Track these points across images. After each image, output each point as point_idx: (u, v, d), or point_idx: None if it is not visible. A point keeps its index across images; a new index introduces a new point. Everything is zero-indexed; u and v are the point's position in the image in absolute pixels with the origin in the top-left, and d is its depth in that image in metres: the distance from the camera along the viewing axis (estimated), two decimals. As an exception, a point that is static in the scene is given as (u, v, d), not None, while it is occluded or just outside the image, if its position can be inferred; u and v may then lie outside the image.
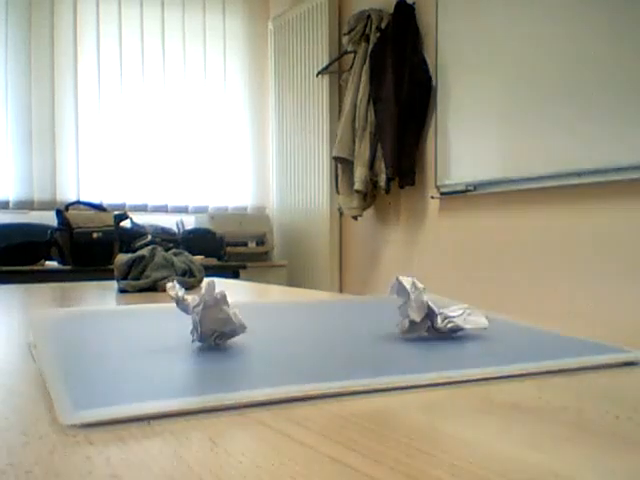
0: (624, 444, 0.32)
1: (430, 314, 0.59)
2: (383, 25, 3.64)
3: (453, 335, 0.60)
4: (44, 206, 3.87)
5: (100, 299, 1.10)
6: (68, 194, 4.01)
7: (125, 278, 1.22)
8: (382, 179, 3.48)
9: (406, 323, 0.58)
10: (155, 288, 1.20)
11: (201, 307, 0.53)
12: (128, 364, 0.48)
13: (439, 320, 0.59)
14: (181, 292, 0.56)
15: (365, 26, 3.75)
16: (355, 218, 3.72)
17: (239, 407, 0.38)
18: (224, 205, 4.47)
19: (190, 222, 4.10)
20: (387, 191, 3.50)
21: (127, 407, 0.36)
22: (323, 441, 0.32)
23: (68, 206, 2.77)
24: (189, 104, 4.41)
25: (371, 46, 3.64)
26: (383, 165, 3.47)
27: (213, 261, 2.85)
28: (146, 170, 4.25)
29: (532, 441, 0.32)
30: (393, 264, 3.66)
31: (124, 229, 2.66)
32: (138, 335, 0.62)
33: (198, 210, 4.32)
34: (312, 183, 4.17)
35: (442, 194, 3.26)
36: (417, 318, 0.58)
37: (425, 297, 0.59)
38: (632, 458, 0.30)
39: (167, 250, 1.32)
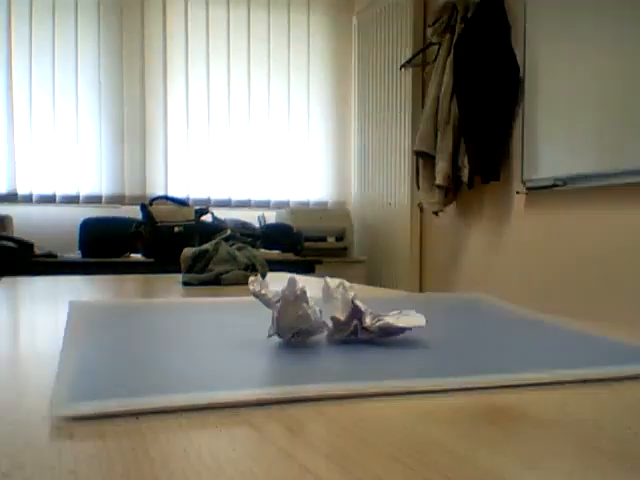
0: (636, 466, 0.28)
1: (356, 313, 0.54)
2: (469, 15, 3.53)
3: (390, 338, 0.54)
4: (134, 201, 4.03)
5: (162, 291, 1.13)
6: (157, 189, 4.16)
7: (190, 271, 1.24)
8: (465, 174, 3.39)
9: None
10: (217, 281, 1.21)
11: (280, 303, 0.51)
12: (153, 357, 0.48)
13: (368, 319, 0.53)
14: (262, 286, 0.55)
15: (450, 17, 3.66)
16: (436, 214, 3.64)
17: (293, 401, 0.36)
18: (305, 200, 4.50)
19: (272, 217, 4.15)
20: (470, 186, 3.40)
21: (115, 402, 0.36)
22: (304, 446, 0.30)
23: (152, 201, 2.87)
24: (273, 100, 4.47)
25: (456, 37, 3.54)
26: (466, 159, 3.37)
27: (290, 256, 2.87)
28: (230, 166, 4.35)
29: (531, 457, 0.29)
30: (475, 262, 3.55)
31: (205, 223, 2.72)
32: (196, 328, 0.62)
33: (280, 205, 4.38)
34: (393, 178, 4.12)
35: (528, 189, 3.13)
36: (341, 316, 0.53)
37: (352, 296, 0.54)
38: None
39: (244, 244, 1.33)
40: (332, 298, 0.53)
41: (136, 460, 0.29)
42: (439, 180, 3.45)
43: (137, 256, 2.61)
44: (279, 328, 0.51)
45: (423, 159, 3.61)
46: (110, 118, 4.15)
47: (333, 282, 0.55)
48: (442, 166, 3.45)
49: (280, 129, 4.48)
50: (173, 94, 4.26)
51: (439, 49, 3.65)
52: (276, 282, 1.40)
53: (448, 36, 3.62)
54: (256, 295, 0.54)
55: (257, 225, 3.67)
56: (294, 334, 0.51)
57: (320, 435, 0.32)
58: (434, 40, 3.73)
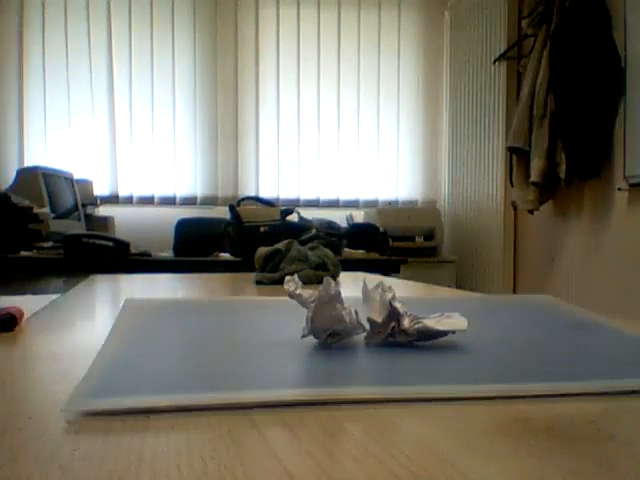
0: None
1: (394, 315, 0.50)
2: (566, 4, 3.37)
3: (429, 342, 0.51)
4: (227, 201, 4.13)
5: (234, 290, 1.15)
6: (248, 190, 4.26)
7: (263, 270, 1.25)
8: (562, 170, 3.24)
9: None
10: (289, 280, 1.21)
11: (315, 303, 0.51)
12: (203, 357, 0.48)
13: (406, 322, 0.50)
14: (297, 286, 0.55)
15: (546, 7, 3.51)
16: (531, 212, 3.50)
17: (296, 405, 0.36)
18: (394, 198, 4.46)
19: (360, 216, 4.15)
20: (568, 183, 3.25)
21: (131, 399, 0.36)
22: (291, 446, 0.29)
23: (240, 201, 2.93)
24: (362, 97, 4.46)
25: (553, 28, 3.40)
26: (563, 155, 3.22)
27: (375, 255, 2.85)
28: (319, 166, 4.38)
29: (542, 474, 0.26)
30: (572, 263, 3.38)
31: (291, 223, 2.75)
32: (238, 327, 0.62)
33: (368, 204, 4.36)
34: (485, 175, 4.00)
35: (631, 185, 2.95)
36: (378, 318, 0.50)
37: (390, 297, 0.51)
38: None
39: (317, 244, 1.33)
40: (370, 299, 0.51)
41: (126, 460, 0.29)
42: (534, 177, 3.31)
43: (225, 255, 2.68)
44: (313, 329, 0.50)
45: (517, 155, 3.49)
46: (204, 123, 4.29)
47: (372, 282, 0.53)
48: (537, 162, 3.32)
49: (370, 127, 4.46)
50: (265, 97, 4.35)
51: (535, 41, 3.52)
52: (349, 281, 1.39)
53: (544, 27, 3.48)
54: (291, 295, 0.53)
55: (345, 225, 3.67)
56: (329, 335, 0.50)
57: (351, 440, 0.31)
58: (529, 32, 3.60)
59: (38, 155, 4.13)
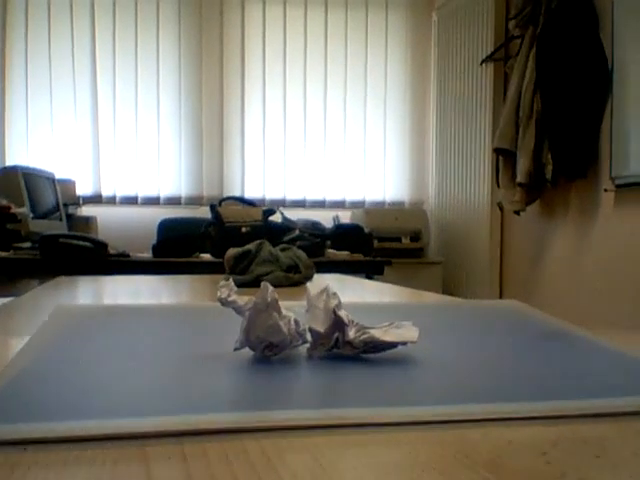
0: None
1: (338, 325, 0.46)
2: (553, 5, 3.35)
3: (379, 354, 0.46)
4: (212, 201, 4.09)
5: (200, 293, 1.10)
6: (234, 190, 4.21)
7: (233, 272, 1.21)
8: (548, 171, 3.21)
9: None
10: (258, 283, 1.17)
11: (249, 312, 0.46)
12: (122, 373, 0.43)
13: (351, 332, 0.45)
14: (231, 292, 0.50)
15: (533, 8, 3.49)
16: (517, 213, 3.47)
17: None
18: (381, 199, 4.43)
19: (347, 217, 4.11)
20: (554, 184, 3.22)
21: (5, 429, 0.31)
22: None
23: (222, 201, 2.88)
24: (349, 98, 4.42)
25: (539, 29, 3.37)
26: (550, 156, 3.20)
27: (359, 257, 2.80)
28: (305, 166, 4.34)
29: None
30: (559, 265, 3.36)
31: (274, 224, 2.70)
32: (170, 337, 0.58)
33: (355, 205, 4.32)
34: (472, 177, 3.98)
35: (618, 186, 2.92)
36: (321, 328, 0.45)
37: (334, 305, 0.46)
38: None
39: (312, 245, 1.29)
40: (313, 307, 0.47)
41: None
42: (520, 178, 3.29)
43: (207, 256, 2.63)
44: (247, 340, 0.46)
45: (503, 156, 3.47)
46: (189, 122, 4.24)
47: (316, 288, 0.48)
48: (524, 163, 3.29)
49: (356, 128, 4.42)
50: (250, 96, 4.30)
51: (522, 42, 3.50)
52: (319, 284, 1.35)
53: (531, 28, 3.46)
54: (223, 303, 0.49)
55: (332, 226, 3.63)
56: (265, 347, 0.45)
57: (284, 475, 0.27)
58: (516, 33, 3.58)
59: (20, 155, 4.06)
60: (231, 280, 0.49)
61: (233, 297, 0.48)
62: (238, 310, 0.48)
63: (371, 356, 0.46)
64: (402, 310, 0.76)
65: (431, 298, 1.04)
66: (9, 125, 4.06)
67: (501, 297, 3.82)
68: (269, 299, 0.44)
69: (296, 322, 0.46)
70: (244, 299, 0.48)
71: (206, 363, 0.46)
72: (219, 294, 0.48)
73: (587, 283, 3.13)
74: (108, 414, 0.33)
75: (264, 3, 4.30)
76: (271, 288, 0.44)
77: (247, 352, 0.47)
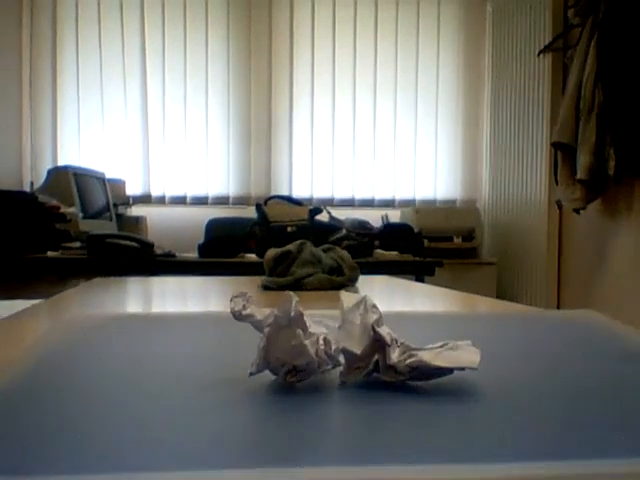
0: None
1: (378, 345, 0.37)
2: (616, -10, 3.18)
3: (426, 382, 0.37)
4: (260, 201, 4.06)
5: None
6: (281, 190, 4.16)
7: (272, 274, 1.14)
8: (611, 167, 3.05)
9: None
10: (299, 286, 1.09)
11: (269, 328, 0.38)
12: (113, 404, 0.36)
13: (395, 354, 0.37)
14: (247, 304, 0.42)
15: (594, -5, 3.33)
16: (577, 211, 3.31)
17: None
18: (432, 197, 4.30)
19: (396, 216, 4.00)
20: (617, 181, 3.05)
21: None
22: None
23: (267, 200, 2.83)
24: (399, 94, 4.31)
25: (600, 17, 3.21)
26: (612, 151, 3.03)
27: (409, 257, 2.70)
28: (354, 164, 4.26)
29: None
30: (622, 267, 3.17)
31: (320, 223, 2.63)
32: (184, 356, 0.50)
33: (405, 203, 4.21)
34: (528, 173, 3.82)
35: (687, 183, 2.74)
36: (357, 349, 0.37)
37: (373, 320, 0.37)
38: None
39: (359, 245, 1.22)
40: (348, 322, 0.38)
41: None
42: (581, 174, 3.13)
43: (252, 256, 2.57)
44: (267, 363, 0.37)
45: (562, 151, 3.31)
46: (237, 122, 4.21)
47: (351, 299, 0.39)
48: (584, 159, 3.13)
49: (406, 123, 4.31)
50: (299, 95, 4.25)
51: (582, 31, 3.34)
52: (371, 286, 1.27)
53: (592, 17, 3.29)
54: (238, 317, 0.41)
55: (380, 225, 3.54)
56: (288, 372, 0.37)
57: None
58: (576, 22, 3.42)
59: (71, 155, 4.11)
60: (247, 294, 0.41)
61: (250, 310, 0.40)
62: (256, 325, 0.40)
63: (419, 384, 0.37)
64: (457, 321, 0.67)
65: (489, 305, 0.94)
66: (61, 126, 4.12)
67: (559, 301, 3.65)
68: (292, 313, 0.36)
69: (326, 341, 0.37)
70: (264, 312, 0.40)
71: (214, 392, 0.38)
72: (232, 306, 0.40)
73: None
74: (75, 469, 0.26)
75: (313, 2, 4.23)
76: (296, 299, 0.36)
77: (266, 376, 0.39)
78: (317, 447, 0.29)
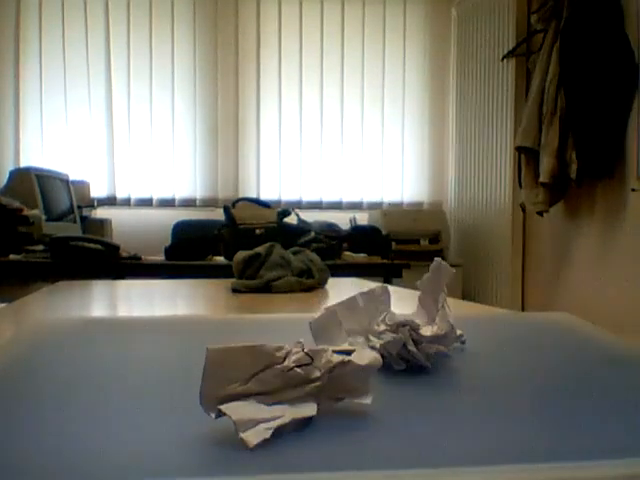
0: None
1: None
2: (577, -2, 3.25)
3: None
4: (227, 203, 4.04)
5: (205, 300, 1.02)
6: (249, 192, 4.15)
7: (242, 277, 1.13)
8: (573, 170, 3.10)
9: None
10: (269, 289, 1.09)
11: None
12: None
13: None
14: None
15: (556, 1, 3.39)
16: (540, 214, 3.36)
17: None
18: (399, 200, 4.34)
19: (364, 218, 4.02)
20: (579, 184, 3.11)
21: None
22: None
23: (235, 203, 2.82)
24: (366, 97, 4.34)
25: (563, 22, 3.27)
26: (574, 154, 3.09)
27: (377, 259, 2.72)
28: (322, 167, 4.27)
29: None
30: (585, 268, 3.24)
31: (288, 226, 2.63)
32: (154, 363, 0.50)
33: (373, 206, 4.24)
34: (493, 176, 3.87)
35: (646, 186, 2.81)
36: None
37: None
38: None
39: (327, 248, 1.22)
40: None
41: None
42: (544, 177, 3.18)
43: (220, 259, 2.56)
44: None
45: (526, 155, 3.36)
46: (204, 123, 4.18)
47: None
48: (547, 162, 3.19)
49: (373, 127, 4.34)
50: (266, 96, 4.24)
51: (544, 37, 3.40)
52: (341, 288, 1.27)
53: (554, 22, 3.36)
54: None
55: (348, 227, 3.56)
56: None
57: None
58: (539, 27, 3.48)
59: (34, 156, 4.04)
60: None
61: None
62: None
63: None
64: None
65: (459, 307, 0.95)
66: (23, 126, 4.04)
67: (523, 302, 3.71)
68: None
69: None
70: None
71: (181, 396, 0.38)
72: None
73: (613, 287, 3.01)
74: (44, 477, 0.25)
75: (280, 2, 4.23)
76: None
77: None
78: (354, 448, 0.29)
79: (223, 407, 0.31)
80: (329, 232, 2.76)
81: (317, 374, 0.33)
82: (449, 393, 0.38)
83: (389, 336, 0.44)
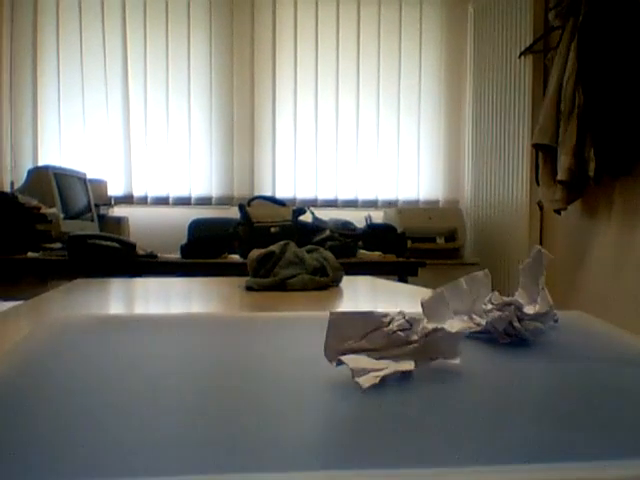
0: None
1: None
2: (595, -7, 3.21)
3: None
4: (243, 202, 4.05)
5: (219, 297, 1.03)
6: (265, 190, 4.16)
7: (256, 275, 1.14)
8: (591, 168, 3.07)
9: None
10: (283, 287, 1.09)
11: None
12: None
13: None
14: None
15: (574, -3, 3.36)
16: (558, 212, 3.34)
17: None
18: (415, 198, 4.32)
19: (379, 217, 4.01)
20: (597, 181, 3.08)
21: None
22: None
23: (251, 201, 2.82)
24: (382, 95, 4.33)
25: (581, 19, 3.24)
26: (592, 152, 3.06)
27: (392, 257, 2.71)
28: (338, 165, 4.27)
29: None
30: (602, 267, 3.21)
31: (303, 223, 2.63)
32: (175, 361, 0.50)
33: (388, 204, 4.23)
34: (510, 174, 3.85)
35: (665, 184, 2.78)
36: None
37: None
38: None
39: (342, 246, 1.22)
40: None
41: None
42: (561, 175, 3.15)
43: (235, 257, 2.57)
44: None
45: (543, 152, 3.33)
46: (220, 122, 4.20)
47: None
48: (565, 160, 3.16)
49: (389, 125, 4.33)
50: (282, 95, 4.25)
51: (562, 34, 3.36)
52: (356, 286, 1.27)
53: (572, 19, 3.33)
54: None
55: (364, 225, 3.55)
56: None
57: None
58: (556, 24, 3.45)
59: (52, 155, 4.08)
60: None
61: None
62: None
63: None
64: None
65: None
66: (41, 125, 4.08)
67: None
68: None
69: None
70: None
71: (204, 392, 0.38)
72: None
73: (631, 287, 2.98)
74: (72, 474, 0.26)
75: (295, 4, 4.23)
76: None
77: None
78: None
79: (343, 357, 0.40)
80: (344, 230, 2.75)
81: (415, 337, 0.42)
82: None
83: (496, 314, 0.52)
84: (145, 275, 2.39)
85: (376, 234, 2.89)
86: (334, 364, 0.40)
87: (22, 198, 2.93)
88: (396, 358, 0.41)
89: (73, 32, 4.07)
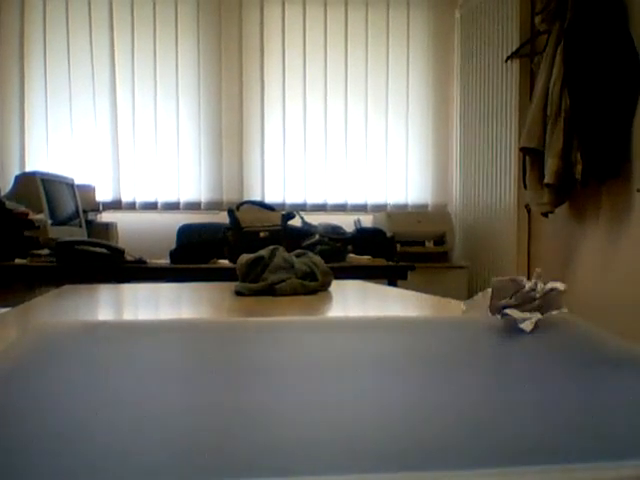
0: None
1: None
2: (581, -2, 3.24)
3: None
4: (232, 207, 4.04)
5: (210, 302, 1.03)
6: (254, 195, 4.16)
7: (245, 280, 1.14)
8: (578, 171, 3.10)
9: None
10: (272, 292, 1.09)
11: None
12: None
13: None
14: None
15: (560, 2, 3.39)
16: (545, 215, 3.36)
17: None
18: (404, 202, 4.33)
19: (369, 221, 4.02)
20: (584, 185, 3.10)
21: None
22: None
23: (239, 206, 2.82)
24: (370, 99, 4.35)
25: (567, 23, 3.27)
26: (579, 155, 3.08)
27: (382, 261, 2.72)
28: (326, 169, 4.27)
29: None
30: (589, 269, 3.23)
31: (293, 228, 2.63)
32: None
33: (377, 208, 4.24)
34: (498, 178, 3.87)
35: (651, 187, 2.80)
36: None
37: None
38: None
39: (332, 250, 1.22)
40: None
41: None
42: (548, 178, 3.18)
43: (224, 262, 2.56)
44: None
45: (531, 156, 3.36)
46: (209, 126, 4.19)
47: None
48: (552, 163, 3.18)
49: (378, 129, 4.34)
50: (270, 99, 4.25)
51: (548, 38, 3.39)
52: (346, 291, 1.27)
53: (558, 23, 3.35)
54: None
55: (353, 230, 3.56)
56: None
57: None
58: (543, 28, 3.48)
59: (40, 160, 4.06)
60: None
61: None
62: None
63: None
64: (433, 326, 0.68)
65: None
66: (29, 131, 4.06)
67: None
68: None
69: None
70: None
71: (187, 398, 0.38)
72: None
73: (618, 289, 3.00)
74: None
75: (283, 4, 4.24)
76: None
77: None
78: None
79: (507, 310, 0.58)
80: (333, 234, 2.76)
81: (538, 295, 0.60)
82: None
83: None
84: (134, 281, 2.38)
85: (365, 238, 2.89)
86: (499, 316, 0.58)
87: (9, 204, 2.91)
88: (532, 311, 0.58)
89: (60, 37, 4.06)
